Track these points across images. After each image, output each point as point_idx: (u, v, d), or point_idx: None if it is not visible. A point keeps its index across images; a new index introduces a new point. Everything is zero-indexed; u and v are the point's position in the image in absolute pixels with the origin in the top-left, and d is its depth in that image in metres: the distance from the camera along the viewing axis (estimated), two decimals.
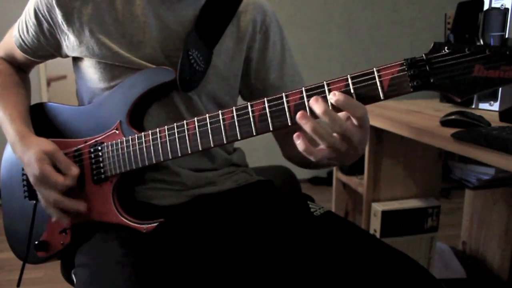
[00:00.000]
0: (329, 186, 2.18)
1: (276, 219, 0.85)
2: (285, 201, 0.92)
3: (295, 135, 0.63)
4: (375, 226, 1.46)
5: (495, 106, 1.24)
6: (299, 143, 0.62)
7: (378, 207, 1.44)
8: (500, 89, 1.23)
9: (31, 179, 0.83)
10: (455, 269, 1.67)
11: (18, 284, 0.92)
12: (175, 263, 0.77)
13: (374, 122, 1.34)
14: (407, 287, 0.69)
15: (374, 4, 3.31)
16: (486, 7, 1.22)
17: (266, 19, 0.92)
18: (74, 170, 0.82)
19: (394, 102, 1.58)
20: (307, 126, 0.62)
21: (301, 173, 1.24)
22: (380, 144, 1.44)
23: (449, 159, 1.59)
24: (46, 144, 0.83)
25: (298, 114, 0.62)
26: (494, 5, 1.20)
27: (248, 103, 0.68)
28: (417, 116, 1.26)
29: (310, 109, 0.63)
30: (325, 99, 0.62)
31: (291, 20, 3.18)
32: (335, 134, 0.62)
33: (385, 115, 1.29)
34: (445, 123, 1.05)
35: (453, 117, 1.04)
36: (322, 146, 0.64)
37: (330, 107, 0.62)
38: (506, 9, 1.18)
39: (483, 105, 1.28)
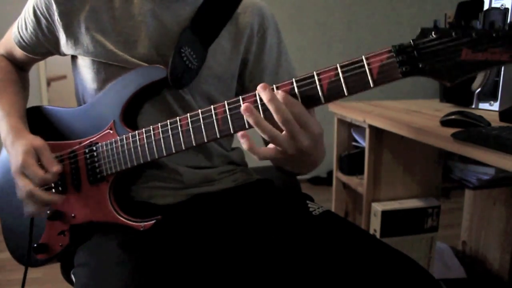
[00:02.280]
0: (329, 186, 2.17)
1: (274, 219, 0.85)
2: (283, 200, 0.92)
3: (239, 134, 0.65)
4: (375, 226, 1.46)
5: (495, 106, 1.24)
6: (243, 142, 0.64)
7: (378, 207, 1.44)
8: (500, 89, 1.23)
9: (12, 168, 0.84)
10: (455, 269, 1.67)
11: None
12: (174, 263, 0.77)
13: (374, 122, 1.34)
14: (406, 287, 0.69)
15: (374, 4, 3.31)
16: (486, 7, 1.22)
17: (265, 22, 0.92)
18: (56, 167, 0.82)
19: (394, 102, 1.58)
20: (250, 118, 0.63)
21: None
22: (380, 144, 1.43)
23: (449, 159, 1.59)
24: (37, 140, 0.84)
25: (243, 106, 0.64)
26: (494, 5, 1.20)
27: (240, 97, 0.68)
28: (417, 116, 1.26)
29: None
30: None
31: (291, 20, 3.18)
32: (283, 132, 0.63)
33: (385, 115, 1.29)
34: (445, 123, 1.05)
35: (453, 117, 1.04)
36: (269, 145, 0.66)
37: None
38: (506, 9, 1.18)
39: (483, 105, 1.28)
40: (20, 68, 1.02)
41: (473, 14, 1.20)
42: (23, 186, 0.82)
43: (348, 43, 3.30)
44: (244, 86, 0.95)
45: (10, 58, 1.00)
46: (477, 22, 0.57)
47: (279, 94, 0.63)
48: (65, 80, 3.38)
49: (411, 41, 0.59)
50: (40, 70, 2.89)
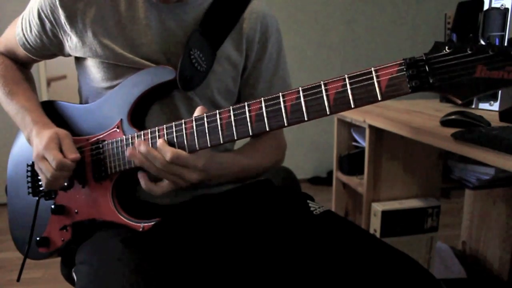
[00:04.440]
0: (329, 186, 2.17)
1: (276, 218, 0.85)
2: (284, 200, 0.92)
3: (139, 174, 0.78)
4: (375, 226, 1.46)
5: (495, 106, 1.24)
6: (141, 179, 0.77)
7: (378, 207, 1.44)
8: None
9: (34, 154, 0.84)
10: (455, 269, 1.67)
11: (18, 279, 0.92)
12: (176, 261, 0.78)
13: (374, 122, 1.34)
14: (406, 286, 0.69)
15: (374, 4, 3.31)
16: (486, 7, 1.22)
17: (268, 31, 0.92)
18: (73, 155, 0.82)
19: (394, 102, 1.58)
20: (136, 160, 0.75)
21: (301, 173, 1.24)
22: (380, 144, 1.44)
23: (449, 159, 1.59)
24: (62, 129, 0.85)
25: (128, 151, 0.75)
26: (494, 5, 1.20)
27: (245, 103, 0.68)
28: (417, 116, 1.26)
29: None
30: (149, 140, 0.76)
31: (291, 20, 3.18)
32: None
33: (385, 115, 1.29)
34: (445, 123, 1.05)
35: (453, 117, 1.04)
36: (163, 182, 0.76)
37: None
38: (506, 9, 1.18)
39: (483, 105, 1.28)
40: (22, 65, 1.02)
41: (473, 14, 1.20)
42: (46, 170, 0.82)
43: (348, 43, 3.30)
44: (238, 89, 0.94)
45: (11, 56, 1.00)
46: (495, 38, 0.55)
47: (142, 148, 0.73)
48: (65, 80, 3.38)
49: (423, 54, 0.58)
50: (40, 70, 2.89)
